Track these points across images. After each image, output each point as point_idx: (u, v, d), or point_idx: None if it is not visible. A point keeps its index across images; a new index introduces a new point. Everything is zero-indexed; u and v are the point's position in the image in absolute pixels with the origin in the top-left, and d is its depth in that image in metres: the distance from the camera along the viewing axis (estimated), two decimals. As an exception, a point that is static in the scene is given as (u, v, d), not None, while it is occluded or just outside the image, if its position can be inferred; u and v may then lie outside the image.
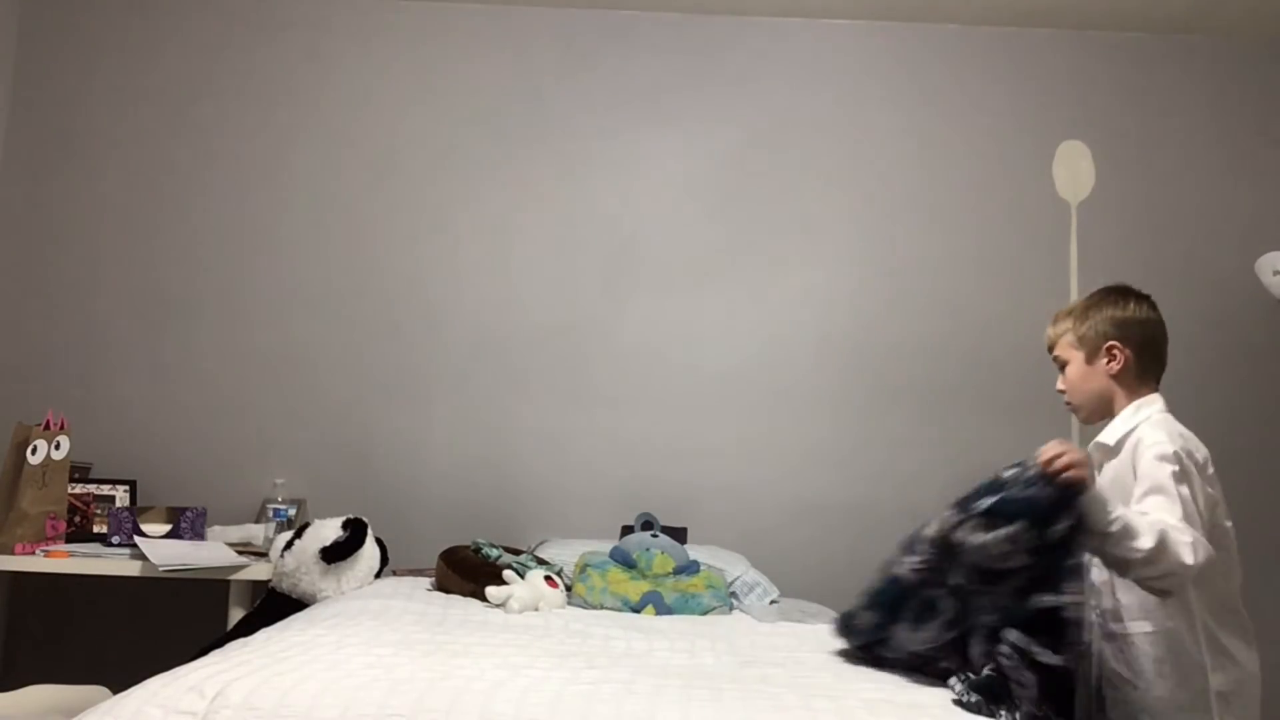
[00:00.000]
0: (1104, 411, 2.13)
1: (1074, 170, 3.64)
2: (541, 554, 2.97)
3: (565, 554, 2.94)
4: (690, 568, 2.81)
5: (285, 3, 3.62)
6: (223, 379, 3.45)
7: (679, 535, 3.04)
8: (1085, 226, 3.61)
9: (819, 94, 3.65)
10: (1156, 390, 2.16)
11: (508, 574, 2.70)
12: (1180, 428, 2.03)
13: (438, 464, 3.45)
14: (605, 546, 2.88)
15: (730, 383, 3.52)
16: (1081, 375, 2.14)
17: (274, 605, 2.66)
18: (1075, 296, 3.56)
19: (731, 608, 2.77)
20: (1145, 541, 1.75)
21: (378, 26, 3.62)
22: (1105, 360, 2.11)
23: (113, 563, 2.77)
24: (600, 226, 3.58)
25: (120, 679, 1.78)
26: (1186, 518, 1.84)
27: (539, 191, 3.58)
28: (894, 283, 3.58)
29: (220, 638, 2.46)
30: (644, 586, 2.69)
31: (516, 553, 2.97)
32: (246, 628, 2.44)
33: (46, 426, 2.84)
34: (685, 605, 2.67)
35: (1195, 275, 3.58)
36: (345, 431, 3.45)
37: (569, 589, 2.71)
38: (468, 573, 2.70)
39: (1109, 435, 2.09)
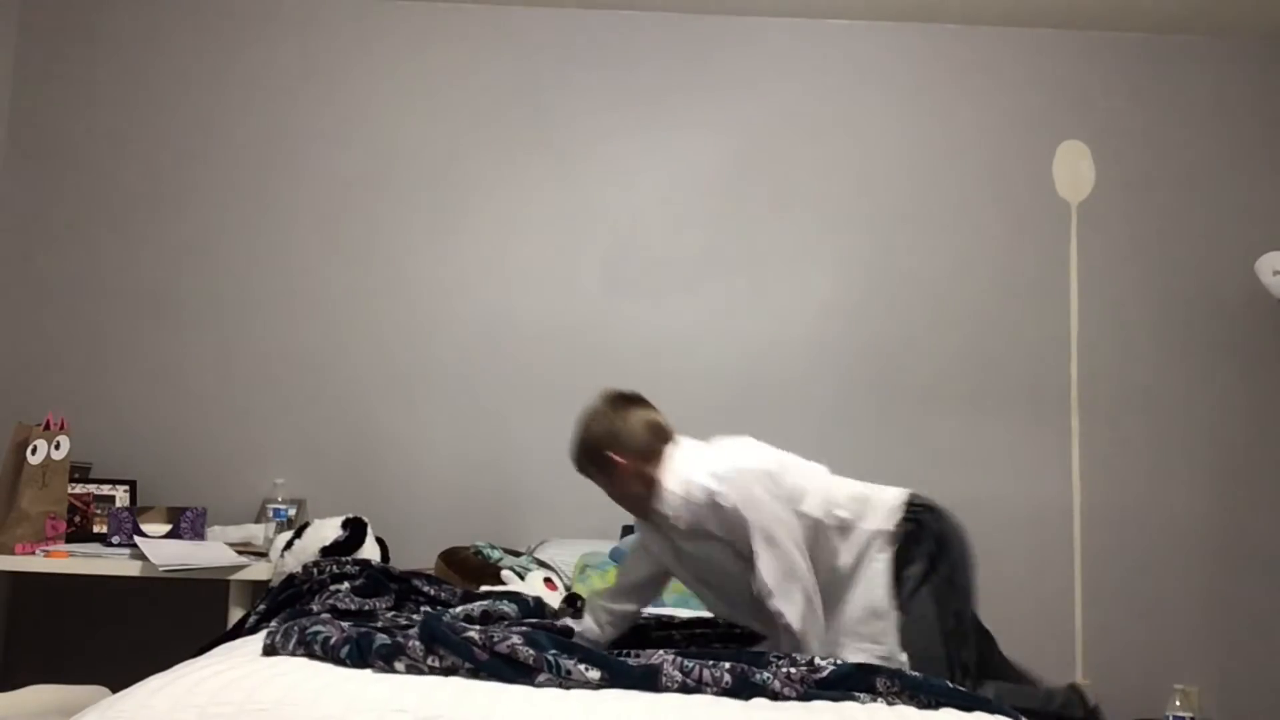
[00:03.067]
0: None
1: (1074, 170, 3.64)
2: (541, 554, 2.97)
3: (565, 554, 2.94)
4: (690, 568, 2.80)
5: (286, 4, 3.62)
6: (223, 379, 3.45)
7: (679, 535, 3.03)
8: (1085, 226, 3.61)
9: (819, 94, 3.65)
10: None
11: (507, 575, 2.70)
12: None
13: (438, 464, 3.44)
14: (605, 547, 2.88)
15: (730, 383, 3.51)
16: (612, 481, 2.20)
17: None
18: (1075, 296, 3.57)
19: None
20: None
21: (378, 27, 3.62)
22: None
23: (113, 563, 2.77)
24: (600, 226, 3.58)
25: (120, 679, 1.78)
26: None
27: (539, 191, 3.58)
28: (893, 282, 3.58)
29: (219, 637, 2.46)
30: (643, 586, 2.68)
31: (516, 554, 2.97)
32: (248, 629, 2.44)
33: (46, 426, 2.84)
34: (685, 605, 2.66)
35: (1195, 275, 3.58)
36: (345, 431, 3.45)
37: (568, 589, 2.71)
38: (468, 573, 2.71)
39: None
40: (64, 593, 3.29)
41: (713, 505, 2.02)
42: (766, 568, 1.97)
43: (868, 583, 2.07)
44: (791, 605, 1.96)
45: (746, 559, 2.01)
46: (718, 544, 2.04)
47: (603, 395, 2.24)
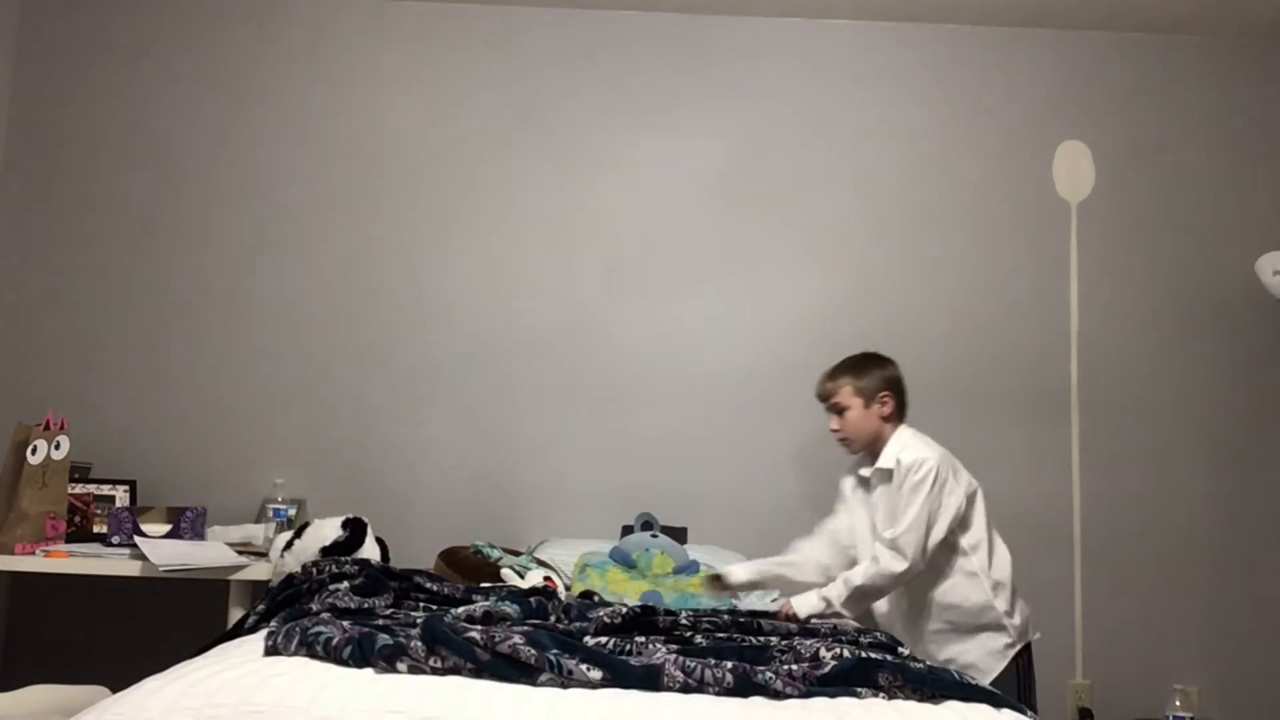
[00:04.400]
0: (874, 445, 2.68)
1: (1074, 170, 3.64)
2: (541, 554, 2.97)
3: (564, 554, 2.94)
4: (690, 568, 2.81)
5: (285, 4, 3.62)
6: (223, 379, 3.45)
7: (679, 535, 3.04)
8: (1085, 226, 3.61)
9: (819, 94, 3.65)
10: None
11: (507, 574, 2.70)
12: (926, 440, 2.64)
13: (438, 464, 3.45)
14: (605, 546, 2.88)
15: (730, 383, 3.52)
16: (856, 418, 2.68)
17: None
18: (1075, 296, 3.57)
19: (731, 607, 2.77)
20: (837, 597, 2.52)
21: (378, 27, 3.62)
22: (879, 406, 2.67)
23: (113, 563, 2.76)
24: (600, 227, 3.58)
25: (120, 679, 1.78)
26: (913, 526, 2.50)
27: (539, 191, 3.58)
28: (893, 283, 3.58)
29: (219, 637, 2.46)
30: (643, 586, 2.69)
31: (516, 553, 2.97)
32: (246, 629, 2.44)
33: (46, 426, 2.84)
34: (685, 605, 2.66)
35: (1195, 275, 3.58)
36: (345, 431, 3.45)
37: (568, 589, 2.71)
38: (467, 573, 2.71)
39: (887, 460, 2.62)
40: (64, 593, 3.29)
41: (908, 468, 2.52)
42: (895, 526, 2.50)
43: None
44: (875, 566, 2.50)
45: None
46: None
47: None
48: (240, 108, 3.57)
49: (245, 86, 3.58)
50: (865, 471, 2.71)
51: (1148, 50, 3.68)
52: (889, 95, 3.66)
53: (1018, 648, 2.57)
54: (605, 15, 3.65)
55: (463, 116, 3.60)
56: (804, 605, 2.51)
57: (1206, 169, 3.63)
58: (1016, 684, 2.55)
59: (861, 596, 2.52)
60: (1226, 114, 3.65)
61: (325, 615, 1.87)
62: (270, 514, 3.13)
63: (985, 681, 2.35)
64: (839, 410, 2.69)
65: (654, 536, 2.88)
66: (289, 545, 2.75)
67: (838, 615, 2.49)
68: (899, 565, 2.48)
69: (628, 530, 3.06)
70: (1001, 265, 3.59)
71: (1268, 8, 3.50)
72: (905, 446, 2.59)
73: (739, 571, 2.70)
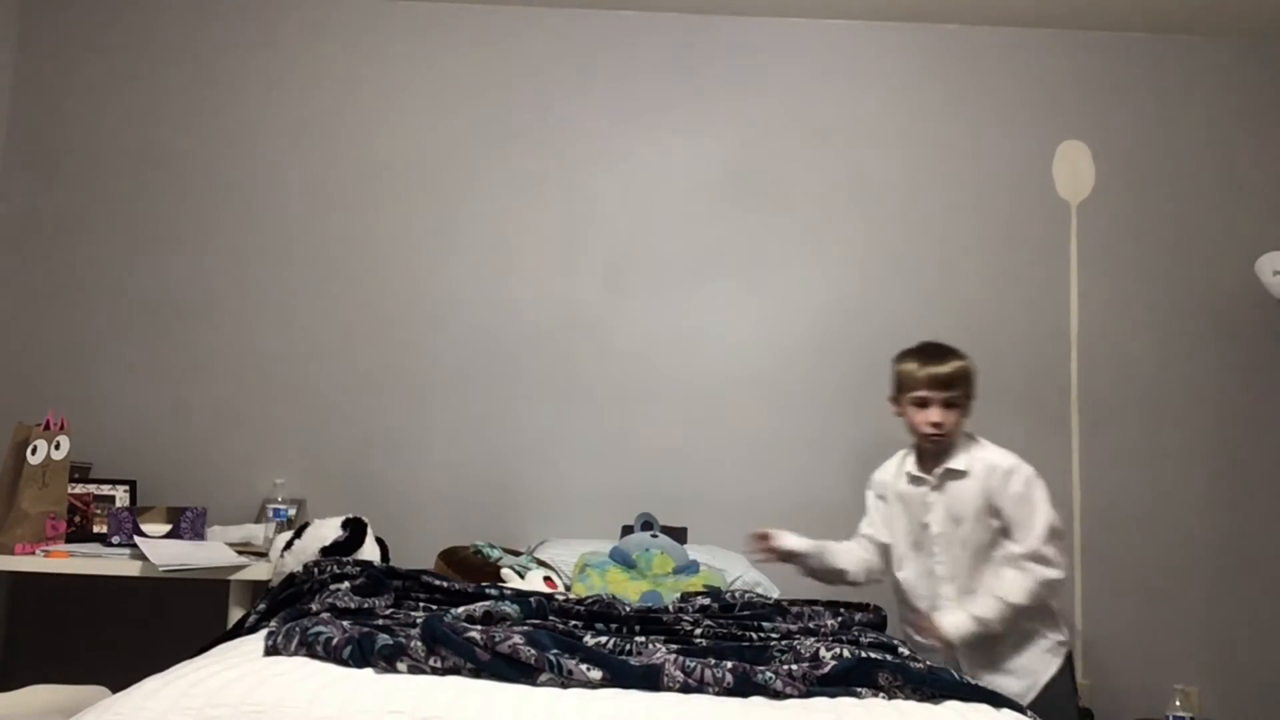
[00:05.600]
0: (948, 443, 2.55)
1: (1074, 170, 3.64)
2: (541, 554, 2.97)
3: (565, 554, 2.94)
4: (690, 568, 2.80)
5: (286, 4, 3.62)
6: (222, 379, 3.45)
7: (679, 535, 3.04)
8: (1085, 226, 3.61)
9: (819, 94, 3.65)
10: None
11: (507, 574, 2.70)
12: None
13: (438, 464, 3.45)
14: (605, 547, 2.88)
15: (730, 383, 3.52)
16: (960, 414, 2.55)
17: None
18: (1075, 296, 3.57)
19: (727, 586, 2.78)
20: (996, 616, 2.42)
21: (378, 27, 3.62)
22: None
23: (113, 563, 2.77)
24: (600, 226, 3.58)
25: (120, 679, 1.78)
26: (1049, 530, 2.44)
27: (539, 191, 3.58)
28: (894, 283, 3.58)
29: (219, 637, 2.46)
30: (643, 586, 2.69)
31: (516, 553, 2.97)
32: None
33: (46, 426, 2.84)
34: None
35: (1195, 275, 3.58)
36: (345, 432, 3.45)
37: (568, 589, 2.71)
38: (467, 573, 2.71)
39: (960, 462, 2.53)
40: (64, 593, 3.29)
41: (1006, 474, 2.45)
42: (1029, 537, 2.41)
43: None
44: (1027, 579, 2.39)
45: (994, 525, 2.46)
46: (975, 503, 2.47)
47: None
48: (240, 107, 3.57)
49: (245, 86, 3.58)
50: (918, 471, 2.59)
51: (1148, 50, 3.68)
52: (889, 95, 3.66)
53: (1067, 647, 2.51)
54: (605, 15, 3.65)
55: (462, 116, 3.60)
56: (955, 626, 2.41)
57: (1206, 169, 3.63)
58: (1070, 684, 2.50)
59: (1016, 613, 2.40)
60: (1226, 114, 3.65)
61: (325, 615, 1.87)
62: (270, 514, 3.14)
63: (1041, 683, 2.44)
64: (954, 404, 2.51)
65: (654, 536, 2.88)
66: (289, 545, 2.75)
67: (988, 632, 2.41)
68: (1054, 573, 2.40)
69: (628, 530, 3.06)
70: (1001, 265, 3.59)
71: (1268, 8, 3.50)
72: (985, 448, 2.52)
73: (788, 538, 2.64)
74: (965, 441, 2.54)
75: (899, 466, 2.66)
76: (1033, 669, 2.45)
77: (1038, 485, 2.44)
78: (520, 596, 2.15)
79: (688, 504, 3.38)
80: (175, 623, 3.18)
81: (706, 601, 2.34)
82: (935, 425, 2.49)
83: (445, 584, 2.30)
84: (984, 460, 2.49)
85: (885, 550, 2.65)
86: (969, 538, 2.49)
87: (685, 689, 1.58)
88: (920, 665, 1.73)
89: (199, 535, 2.96)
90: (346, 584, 2.16)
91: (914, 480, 2.60)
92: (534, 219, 3.57)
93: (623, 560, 2.78)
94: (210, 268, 3.50)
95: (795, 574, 3.23)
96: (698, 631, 1.98)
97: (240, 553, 2.88)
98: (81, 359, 3.44)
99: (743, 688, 1.59)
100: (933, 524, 2.53)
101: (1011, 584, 2.40)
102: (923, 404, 2.51)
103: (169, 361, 3.45)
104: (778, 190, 3.61)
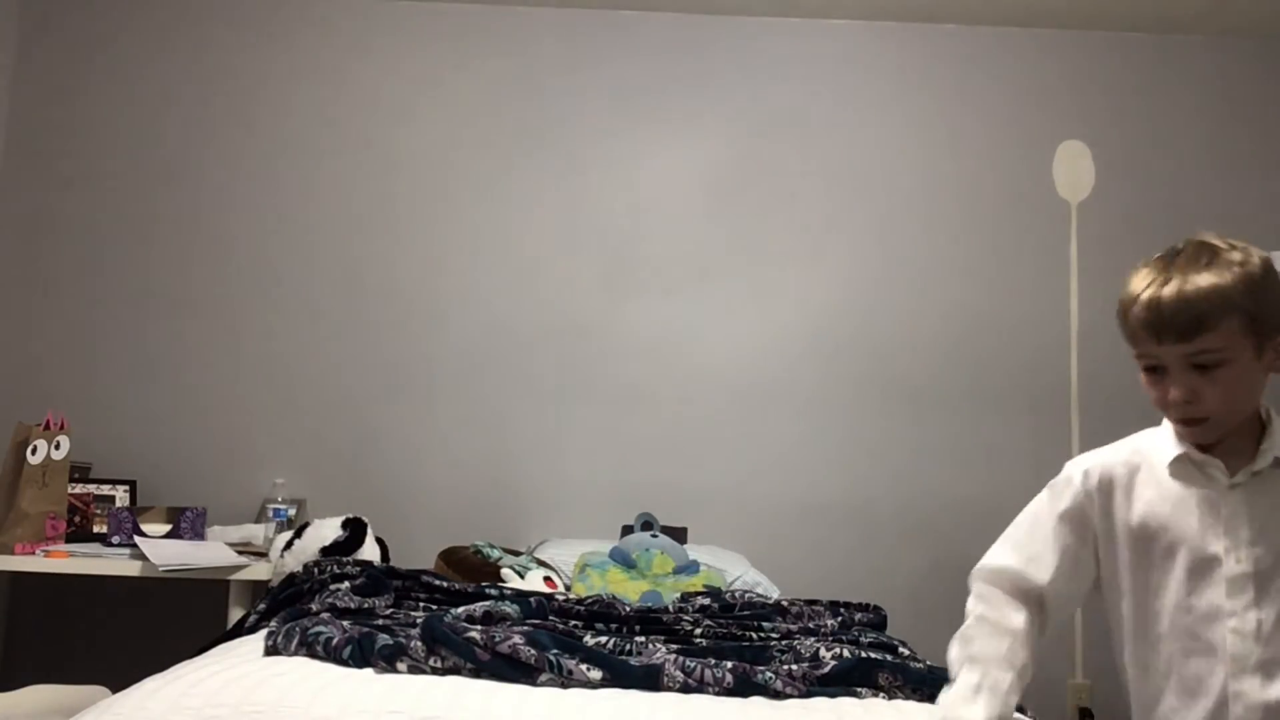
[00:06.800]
0: (1238, 425, 1.38)
1: (1074, 170, 3.64)
2: (541, 554, 2.97)
3: (565, 554, 2.94)
4: (690, 568, 2.80)
5: (287, 4, 3.61)
6: (223, 379, 3.45)
7: (679, 535, 3.04)
8: (1085, 226, 3.61)
9: (819, 94, 3.65)
10: None
11: (507, 574, 2.70)
12: None
13: (438, 464, 3.45)
14: (605, 546, 2.88)
15: (730, 383, 3.51)
16: (1249, 374, 1.34)
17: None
18: (1075, 296, 3.56)
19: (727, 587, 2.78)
20: None
21: (379, 27, 3.62)
22: (1274, 355, 1.36)
23: (113, 563, 2.76)
24: (600, 226, 3.58)
25: (120, 679, 1.78)
26: None
27: (539, 191, 3.58)
28: (894, 282, 3.58)
29: (219, 637, 2.46)
30: (643, 586, 2.69)
31: (516, 553, 2.97)
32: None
33: (46, 426, 2.84)
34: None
35: (1195, 275, 3.57)
36: (345, 431, 3.45)
37: (568, 589, 2.71)
38: (467, 573, 2.71)
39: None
40: (64, 593, 3.29)
41: None
42: None
43: None
44: None
45: None
46: None
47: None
48: (240, 109, 3.57)
49: (245, 87, 3.58)
50: (1203, 459, 1.39)
51: (1148, 50, 3.68)
52: (889, 95, 3.66)
53: None
54: (605, 15, 3.65)
55: (462, 116, 3.60)
56: None
57: (1206, 169, 3.63)
58: None
59: None
60: (1226, 114, 3.65)
61: (325, 615, 1.87)
62: (270, 514, 3.14)
63: None
64: (1209, 365, 1.33)
65: (654, 536, 2.88)
66: (289, 545, 2.75)
67: None
68: None
69: (628, 530, 3.06)
70: (1001, 265, 3.59)
71: (1268, 8, 3.50)
72: None
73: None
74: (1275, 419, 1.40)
75: (1158, 447, 1.44)
76: None
77: None
78: (520, 596, 2.16)
79: (688, 504, 3.38)
80: (175, 623, 3.17)
81: (706, 601, 2.34)
82: (1181, 406, 1.36)
83: (445, 584, 2.30)
84: None
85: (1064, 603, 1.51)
86: None
87: (685, 689, 1.58)
88: (920, 665, 1.73)
89: (199, 535, 2.96)
90: (346, 584, 2.16)
91: (1191, 476, 1.40)
92: (534, 218, 3.57)
93: (623, 560, 2.78)
94: (210, 268, 3.50)
95: (794, 574, 3.25)
96: (698, 631, 1.98)
97: (240, 553, 2.88)
98: (81, 359, 3.44)
99: (743, 688, 1.59)
100: (1232, 555, 1.35)
101: None
102: (1153, 369, 1.42)
103: (169, 361, 3.45)
104: (777, 190, 3.61)
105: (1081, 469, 1.47)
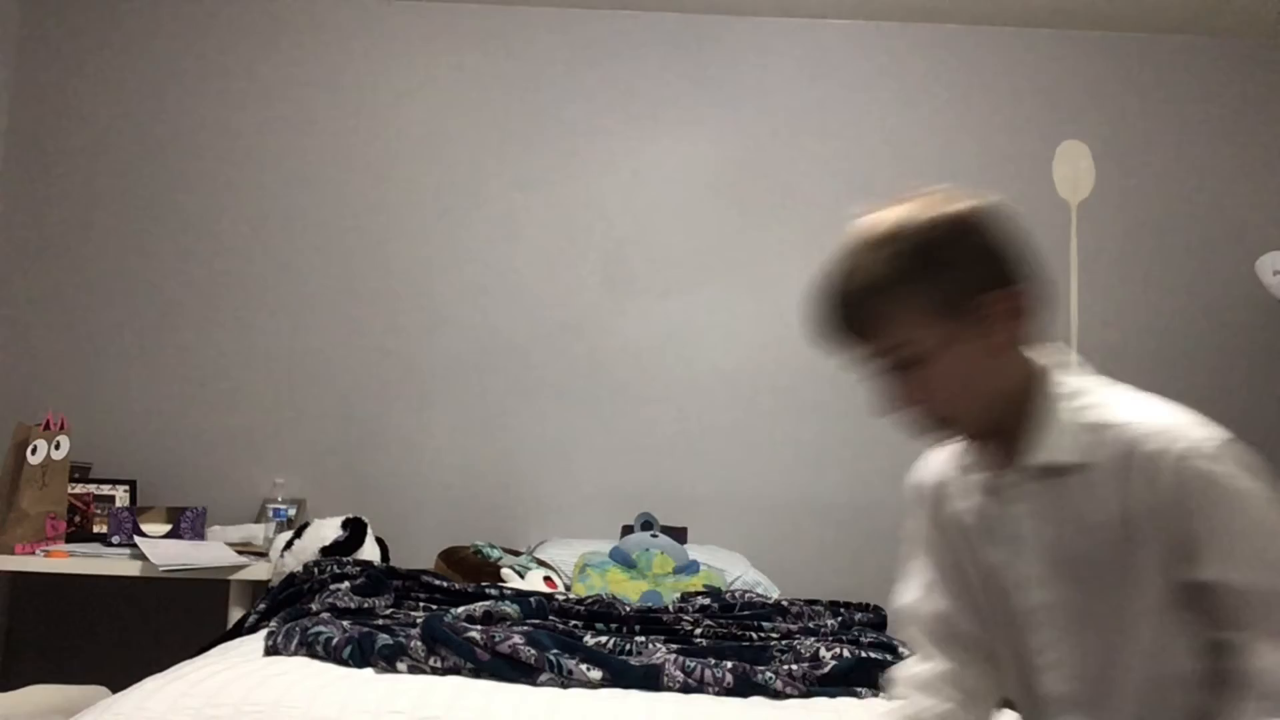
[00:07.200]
0: (998, 417, 1.17)
1: (1074, 170, 3.63)
2: (541, 554, 2.97)
3: (565, 554, 2.94)
4: (690, 568, 2.81)
5: (286, 5, 3.62)
6: (222, 379, 3.45)
7: (679, 535, 3.04)
8: (1085, 226, 3.61)
9: (819, 94, 3.65)
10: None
11: (507, 574, 2.70)
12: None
13: (438, 464, 3.44)
14: (605, 546, 2.88)
15: (730, 383, 3.51)
16: (958, 358, 1.14)
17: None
18: (1075, 296, 3.56)
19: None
20: None
21: (379, 26, 3.62)
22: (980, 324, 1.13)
23: (113, 563, 2.77)
24: (600, 226, 3.58)
25: (120, 679, 1.78)
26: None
27: (540, 191, 3.58)
28: (894, 283, 3.57)
29: (219, 637, 2.46)
30: (643, 586, 2.69)
31: (516, 553, 2.97)
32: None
33: (46, 426, 2.84)
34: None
35: (1195, 275, 3.58)
36: (345, 431, 3.45)
37: (568, 589, 2.71)
38: (467, 573, 2.71)
39: (1050, 452, 1.15)
40: (64, 593, 3.29)
41: (1153, 457, 1.15)
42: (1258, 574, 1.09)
43: None
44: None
45: (1175, 585, 1.12)
46: (1109, 530, 1.12)
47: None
48: (240, 107, 3.57)
49: (245, 86, 3.58)
50: (977, 474, 1.22)
51: (1148, 50, 3.68)
52: (889, 95, 3.66)
53: None
54: (605, 15, 3.65)
55: (462, 116, 3.60)
56: None
57: (1206, 169, 3.63)
58: None
59: None
60: (1226, 114, 3.65)
61: (325, 615, 1.87)
62: (270, 514, 3.14)
63: None
64: (912, 359, 1.14)
65: (654, 536, 2.88)
66: (289, 545, 2.75)
67: None
68: None
69: (628, 530, 3.06)
70: (1001, 265, 3.58)
71: (1268, 8, 3.50)
72: (1111, 407, 1.16)
73: None
74: (1056, 402, 1.16)
75: (942, 481, 1.29)
76: None
77: (1245, 476, 1.21)
78: (520, 596, 2.16)
79: (688, 504, 3.38)
80: (175, 623, 3.17)
81: (706, 601, 2.34)
82: (900, 411, 1.18)
83: (445, 584, 2.30)
84: (1115, 435, 1.14)
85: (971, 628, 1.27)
86: (1105, 608, 1.15)
87: (685, 689, 1.58)
88: None
89: (199, 535, 2.96)
90: (346, 584, 2.16)
91: (970, 483, 1.24)
92: (534, 218, 3.57)
93: (623, 560, 2.78)
94: (210, 267, 3.50)
95: (794, 574, 3.25)
96: (698, 631, 1.99)
97: (240, 553, 2.88)
98: (81, 359, 3.44)
99: (743, 688, 1.59)
100: (1016, 579, 1.19)
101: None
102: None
103: (169, 361, 3.45)
104: (777, 190, 3.61)
105: (910, 488, 1.35)
